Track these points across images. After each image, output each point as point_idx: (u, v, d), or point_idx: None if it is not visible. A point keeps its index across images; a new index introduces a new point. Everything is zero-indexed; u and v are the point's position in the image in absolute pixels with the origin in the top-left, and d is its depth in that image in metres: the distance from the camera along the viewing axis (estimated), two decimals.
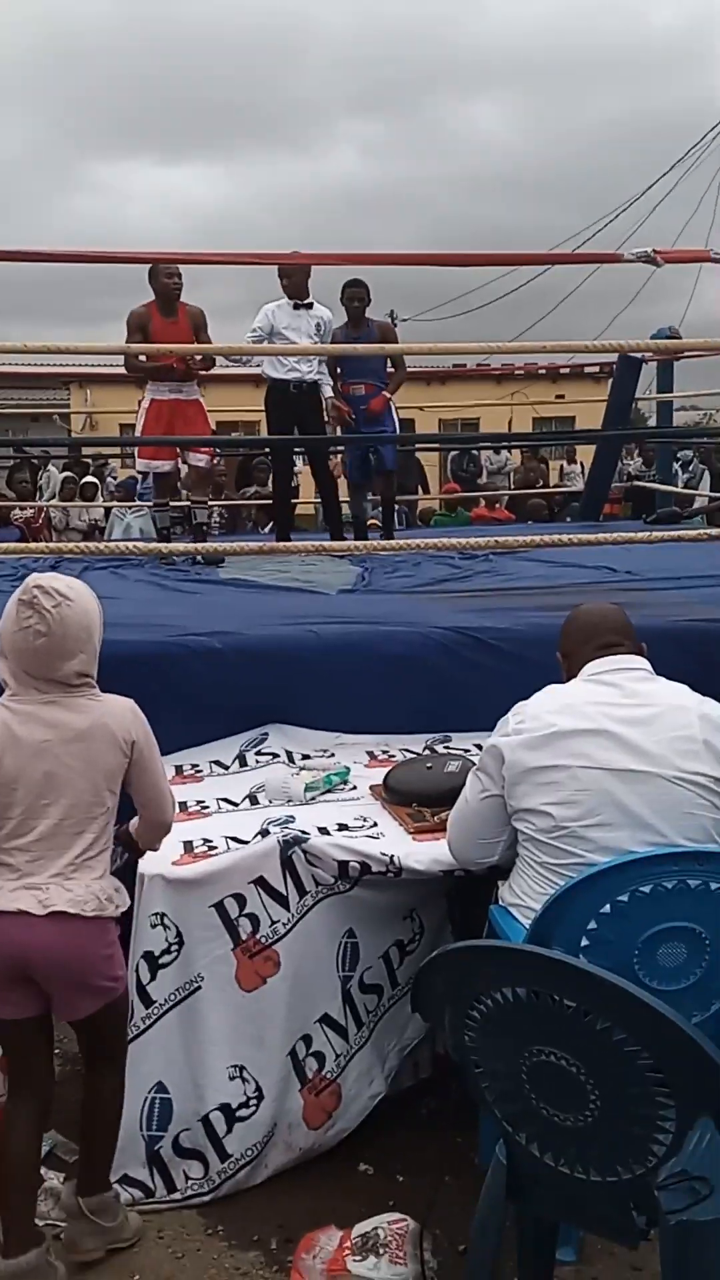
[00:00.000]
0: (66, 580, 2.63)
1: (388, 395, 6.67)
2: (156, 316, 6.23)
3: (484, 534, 7.47)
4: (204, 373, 6.45)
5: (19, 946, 2.49)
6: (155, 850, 2.82)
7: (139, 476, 9.24)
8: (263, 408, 6.71)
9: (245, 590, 5.40)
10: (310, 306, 6.47)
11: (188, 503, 7.10)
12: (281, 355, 6.33)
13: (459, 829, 2.70)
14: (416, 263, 6.13)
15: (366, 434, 6.67)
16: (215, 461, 7.41)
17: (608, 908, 2.18)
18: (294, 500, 7.25)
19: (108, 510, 11.16)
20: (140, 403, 6.47)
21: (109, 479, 13.81)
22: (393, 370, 6.82)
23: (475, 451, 14.21)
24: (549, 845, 2.41)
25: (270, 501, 7.71)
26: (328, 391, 6.66)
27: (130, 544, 6.15)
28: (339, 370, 6.70)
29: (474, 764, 2.69)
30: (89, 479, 12.23)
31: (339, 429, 6.77)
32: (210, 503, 7.22)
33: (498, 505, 12.02)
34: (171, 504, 6.79)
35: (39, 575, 2.63)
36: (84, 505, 11.30)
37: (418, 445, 12.44)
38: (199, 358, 6.12)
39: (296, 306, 6.43)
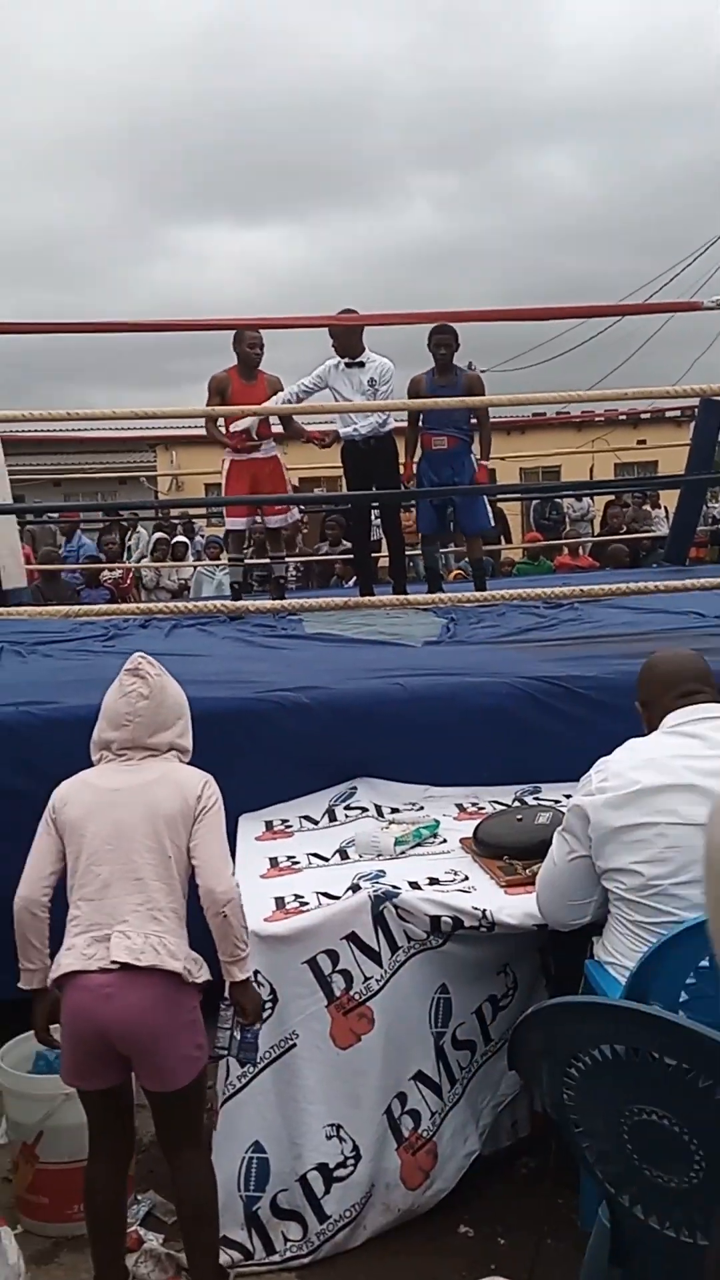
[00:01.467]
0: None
1: (485, 464, 6.65)
2: (236, 380, 6.45)
3: (568, 583, 7.43)
4: (275, 433, 6.63)
5: (92, 1015, 2.46)
6: (230, 950, 2.59)
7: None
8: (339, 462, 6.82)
9: (331, 645, 5.44)
10: (362, 365, 6.50)
11: (265, 560, 7.24)
12: (334, 412, 6.44)
13: (548, 891, 2.66)
14: (487, 318, 6.17)
15: (438, 488, 6.67)
16: (302, 519, 7.54)
17: (706, 961, 2.14)
18: (376, 554, 7.32)
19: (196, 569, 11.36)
20: (223, 463, 6.67)
21: (198, 538, 14.05)
22: (475, 422, 6.80)
23: (557, 499, 14.18)
24: (640, 904, 2.37)
25: (353, 556, 7.80)
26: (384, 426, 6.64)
27: (217, 603, 6.23)
28: (420, 422, 6.74)
29: (565, 813, 2.66)
30: (179, 539, 12.48)
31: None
32: (286, 558, 7.34)
33: (581, 553, 11.97)
34: (246, 561, 6.96)
35: (142, 653, 2.76)
36: (173, 565, 11.52)
37: (500, 496, 12.46)
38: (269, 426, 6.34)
39: (349, 365, 6.50)
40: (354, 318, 6.29)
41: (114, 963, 2.46)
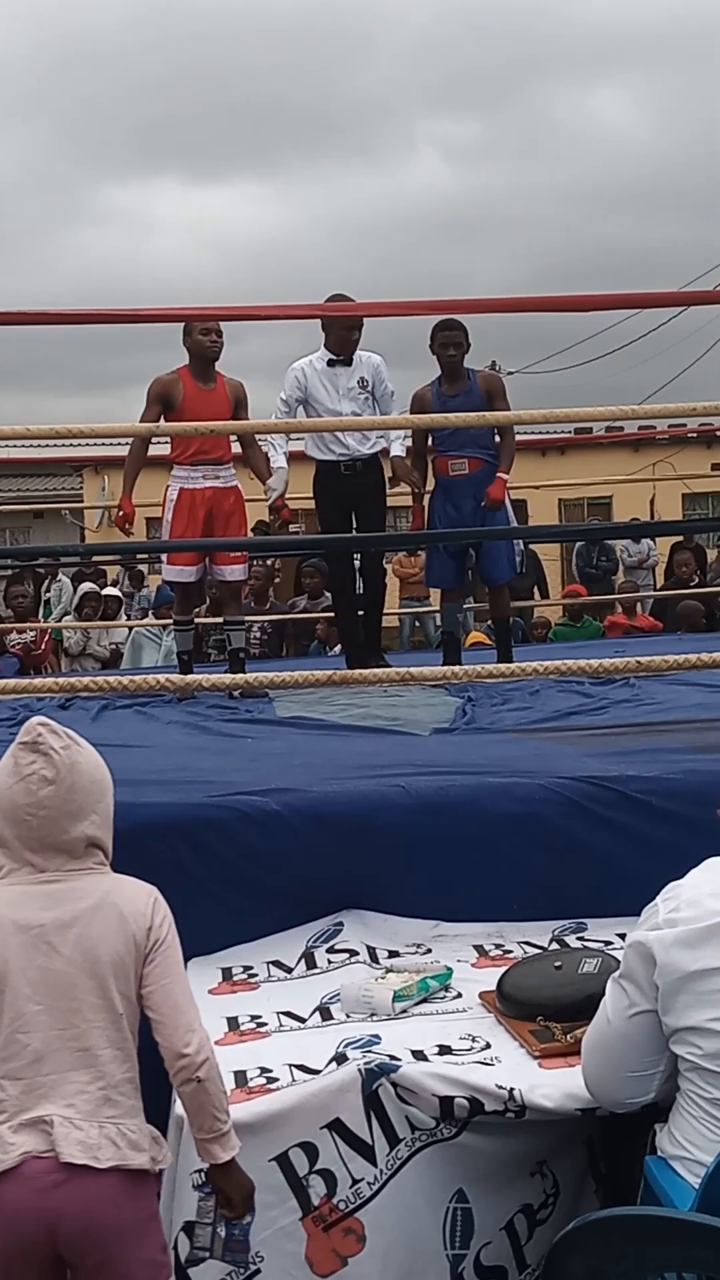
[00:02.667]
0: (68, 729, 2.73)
1: (504, 476, 6.72)
2: (189, 383, 6.47)
3: (623, 652, 7.47)
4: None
5: (35, 1211, 2.43)
6: (208, 1124, 2.58)
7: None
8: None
9: (311, 732, 5.45)
10: (348, 363, 6.64)
11: (219, 620, 7.27)
12: (327, 430, 6.55)
13: (599, 1058, 2.66)
14: (514, 308, 6.24)
15: (450, 530, 6.74)
16: (275, 566, 7.60)
17: None
18: (360, 611, 7.36)
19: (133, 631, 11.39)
20: (166, 491, 6.64)
21: (144, 590, 14.09)
22: (499, 438, 6.88)
23: (608, 541, 14.31)
24: None
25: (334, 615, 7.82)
26: (397, 450, 6.79)
27: (161, 676, 6.24)
28: (430, 441, 6.83)
29: (616, 964, 2.66)
30: (111, 591, 12.49)
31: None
32: (250, 619, 7.37)
33: (640, 611, 12.05)
34: (199, 621, 6.97)
35: (40, 717, 2.71)
36: (104, 625, 11.54)
37: (531, 538, 12.58)
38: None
39: (332, 363, 6.63)
40: (347, 306, 6.37)
41: (62, 1163, 2.44)
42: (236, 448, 6.83)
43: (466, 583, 7.30)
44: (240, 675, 6.01)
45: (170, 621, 10.62)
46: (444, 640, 7.21)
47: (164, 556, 7.12)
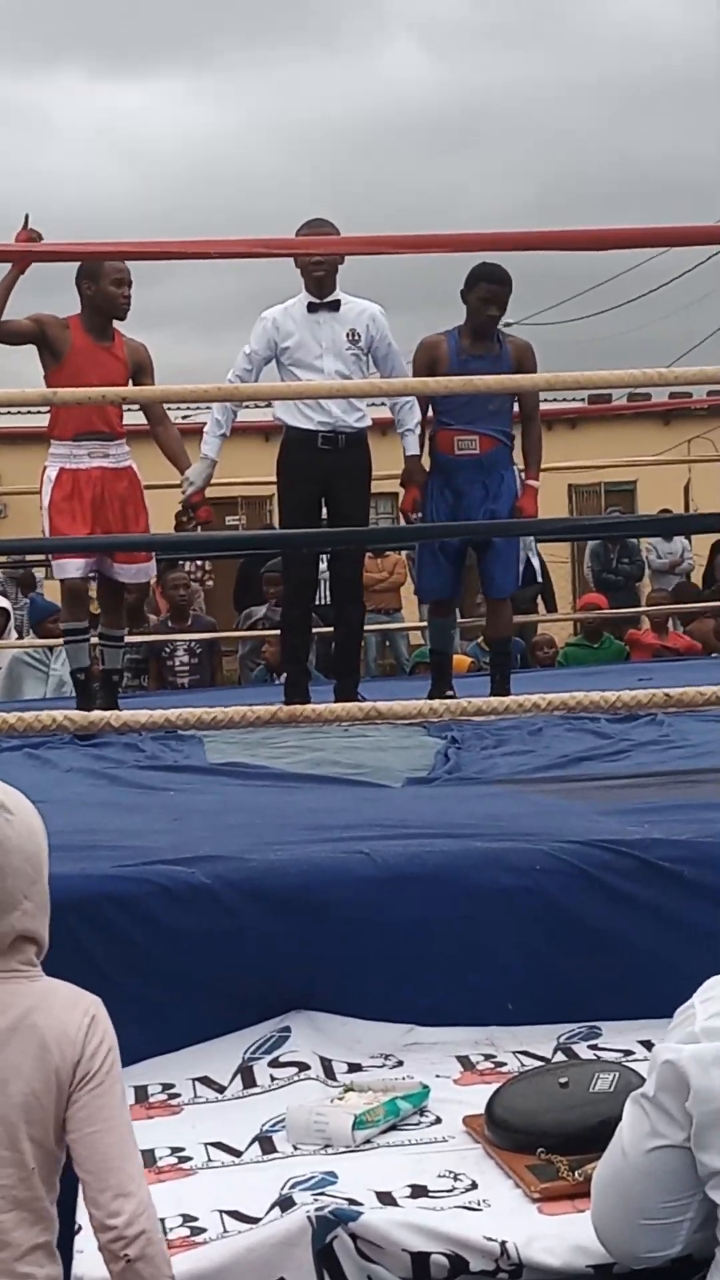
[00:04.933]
0: (0, 788, 2.71)
1: (535, 484, 6.82)
2: (79, 335, 6.54)
3: (648, 681, 7.48)
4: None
5: None
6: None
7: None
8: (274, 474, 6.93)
9: (250, 783, 5.46)
10: (336, 306, 6.71)
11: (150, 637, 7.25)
12: (300, 397, 6.55)
13: (611, 1200, 2.65)
14: (516, 245, 6.25)
15: (448, 524, 6.77)
16: (204, 570, 7.61)
17: None
18: (316, 627, 7.37)
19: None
20: (43, 471, 6.69)
21: (35, 593, 14.03)
22: (519, 414, 6.94)
23: (632, 540, 14.35)
24: None
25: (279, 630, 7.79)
26: (412, 445, 6.86)
27: (57, 714, 6.20)
28: (435, 411, 6.87)
29: (638, 1080, 2.66)
30: None
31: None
32: (176, 638, 7.35)
33: (672, 627, 12.10)
34: (104, 634, 6.96)
35: None
36: None
37: (534, 533, 12.60)
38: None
39: (313, 308, 6.69)
40: (323, 241, 6.39)
41: None
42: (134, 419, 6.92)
43: (462, 593, 7.31)
44: (102, 713, 5.93)
45: (55, 642, 10.63)
46: (432, 664, 7.26)
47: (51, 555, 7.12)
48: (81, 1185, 2.55)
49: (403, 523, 8.11)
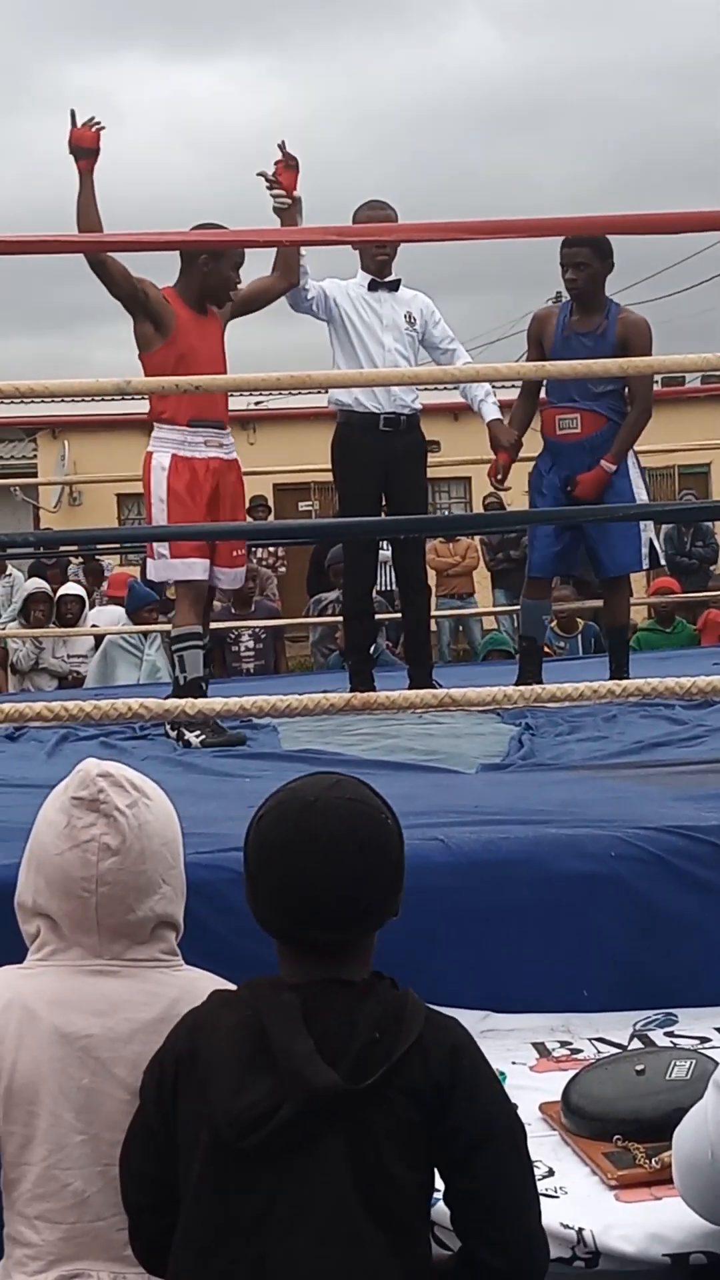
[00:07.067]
0: (135, 772, 2.75)
1: (609, 466, 6.57)
2: (181, 306, 6.28)
3: None
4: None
5: None
6: None
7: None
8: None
9: (325, 770, 5.44)
10: (396, 287, 6.73)
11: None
12: (386, 384, 6.54)
13: (683, 1167, 2.63)
14: (586, 229, 6.19)
15: (539, 512, 6.73)
16: (277, 557, 7.58)
17: None
18: (380, 615, 7.33)
19: (99, 640, 11.39)
20: (151, 457, 6.35)
21: (130, 584, 14.07)
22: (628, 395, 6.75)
23: (707, 524, 14.29)
24: None
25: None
26: (491, 410, 6.81)
27: (135, 702, 6.19)
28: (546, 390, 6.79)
29: (713, 1068, 2.64)
30: (71, 588, 12.43)
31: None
32: (237, 624, 7.28)
33: None
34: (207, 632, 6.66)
35: (98, 763, 2.71)
36: (61, 633, 11.53)
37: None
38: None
39: (374, 286, 6.69)
40: (376, 228, 6.39)
41: None
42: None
43: (573, 572, 7.05)
44: (177, 700, 5.71)
45: (151, 629, 10.65)
46: (522, 650, 7.06)
47: (156, 546, 6.51)
48: None
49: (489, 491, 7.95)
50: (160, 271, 6.27)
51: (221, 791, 5.07)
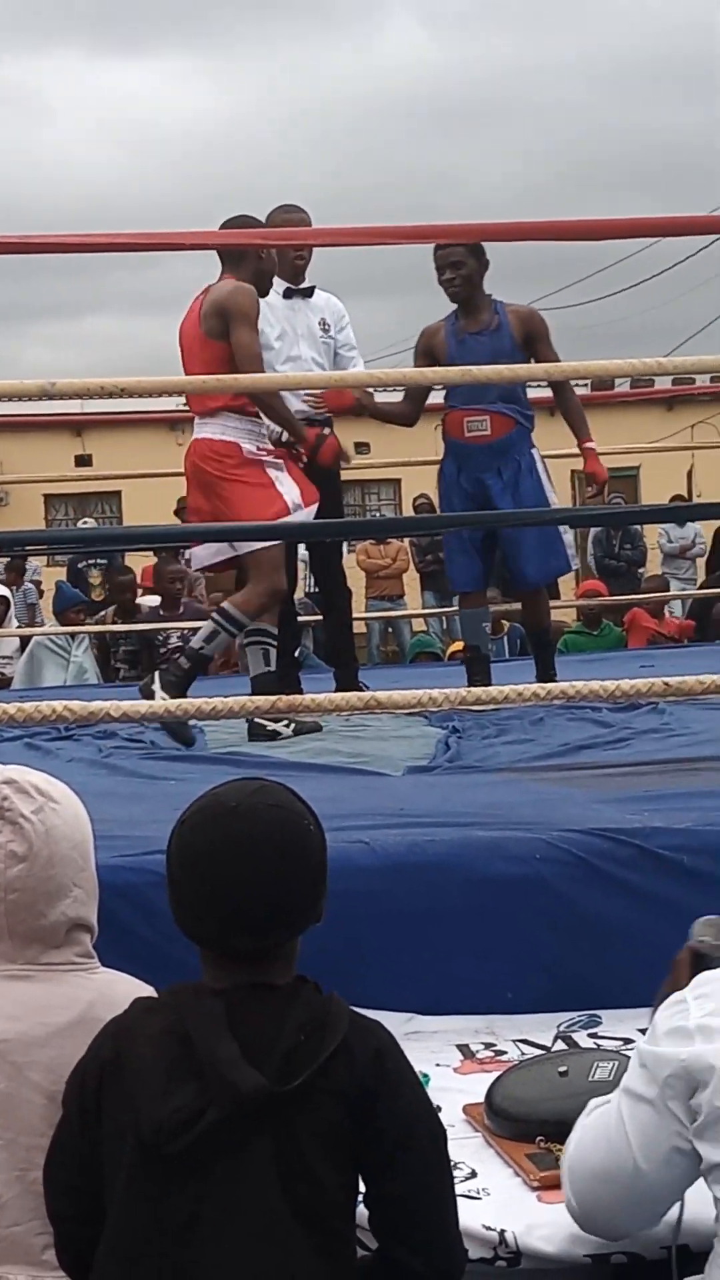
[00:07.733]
0: (41, 775, 2.73)
1: (593, 446, 6.65)
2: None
3: (650, 669, 7.48)
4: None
5: None
6: None
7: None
8: None
9: (250, 772, 5.42)
10: (310, 293, 6.71)
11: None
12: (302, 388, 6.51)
13: (595, 1179, 2.61)
14: (512, 236, 6.22)
15: (461, 514, 6.74)
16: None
17: None
18: (302, 617, 7.31)
19: (24, 641, 11.36)
20: (240, 448, 6.21)
21: (27, 582, 14.04)
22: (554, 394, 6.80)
23: (636, 527, 14.36)
24: None
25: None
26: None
27: (57, 704, 6.14)
28: (442, 396, 6.77)
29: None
30: None
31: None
32: (165, 626, 7.30)
33: (669, 614, 12.08)
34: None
35: (1, 769, 2.71)
36: None
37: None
38: None
39: (289, 293, 6.64)
40: (291, 233, 6.39)
41: None
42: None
43: (485, 582, 7.03)
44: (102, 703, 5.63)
45: (78, 630, 10.61)
46: (468, 660, 7.00)
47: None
48: None
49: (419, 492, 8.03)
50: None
51: (146, 794, 5.06)
